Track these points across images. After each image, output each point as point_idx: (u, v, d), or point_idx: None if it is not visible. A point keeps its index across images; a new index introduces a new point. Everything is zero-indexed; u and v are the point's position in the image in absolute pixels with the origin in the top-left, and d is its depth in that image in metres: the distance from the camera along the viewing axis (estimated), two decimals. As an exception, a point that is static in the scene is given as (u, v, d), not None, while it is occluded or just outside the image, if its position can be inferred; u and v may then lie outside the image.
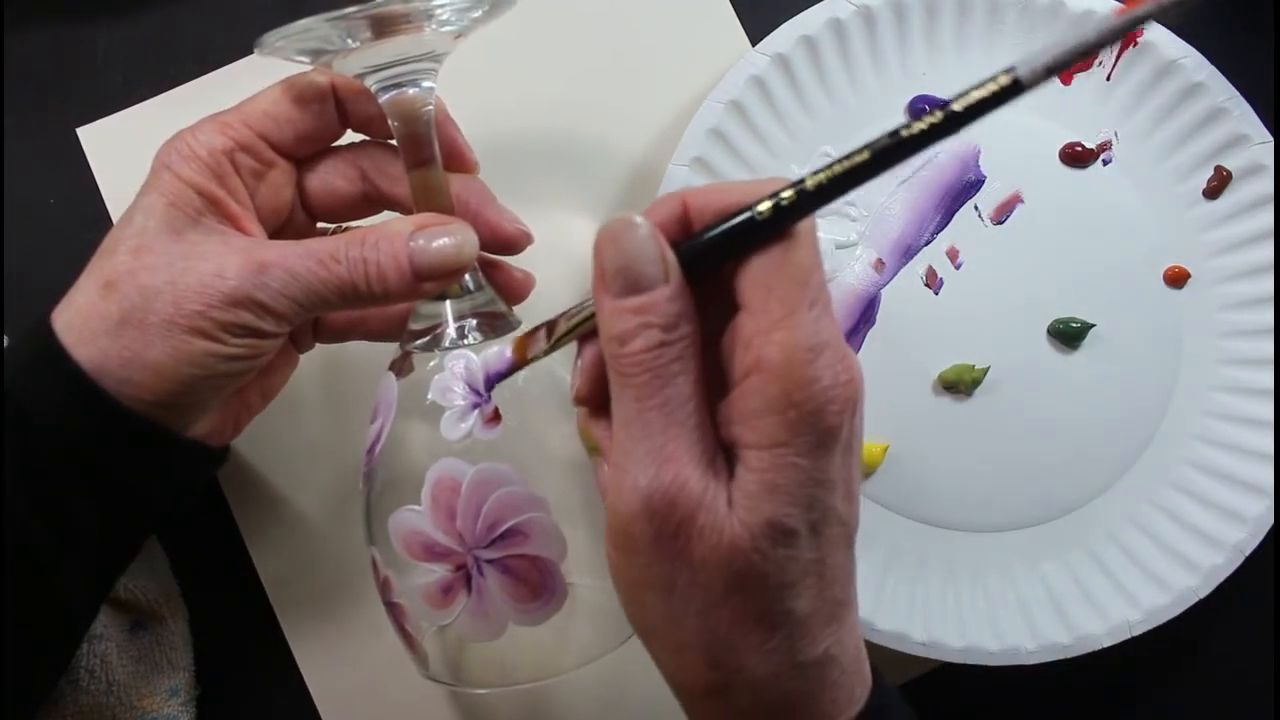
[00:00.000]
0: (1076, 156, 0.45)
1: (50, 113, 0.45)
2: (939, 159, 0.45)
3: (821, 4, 0.44)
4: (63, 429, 0.32)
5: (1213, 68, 0.44)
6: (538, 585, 0.33)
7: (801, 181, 0.26)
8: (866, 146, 0.26)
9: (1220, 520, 0.43)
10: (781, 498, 0.26)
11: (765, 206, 0.27)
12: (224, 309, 0.31)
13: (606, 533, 0.28)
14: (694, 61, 0.46)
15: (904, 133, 0.25)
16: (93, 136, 0.45)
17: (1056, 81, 0.45)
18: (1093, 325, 0.44)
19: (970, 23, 0.45)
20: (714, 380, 0.28)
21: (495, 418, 0.33)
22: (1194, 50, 0.44)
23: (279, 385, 0.39)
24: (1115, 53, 0.45)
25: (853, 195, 0.45)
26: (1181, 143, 0.45)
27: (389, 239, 0.32)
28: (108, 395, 0.32)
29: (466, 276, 0.34)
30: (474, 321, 0.34)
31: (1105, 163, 0.45)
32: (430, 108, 0.34)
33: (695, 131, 0.43)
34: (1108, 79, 0.45)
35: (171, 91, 0.45)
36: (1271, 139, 0.44)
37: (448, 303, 0.34)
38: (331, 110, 0.35)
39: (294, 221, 0.37)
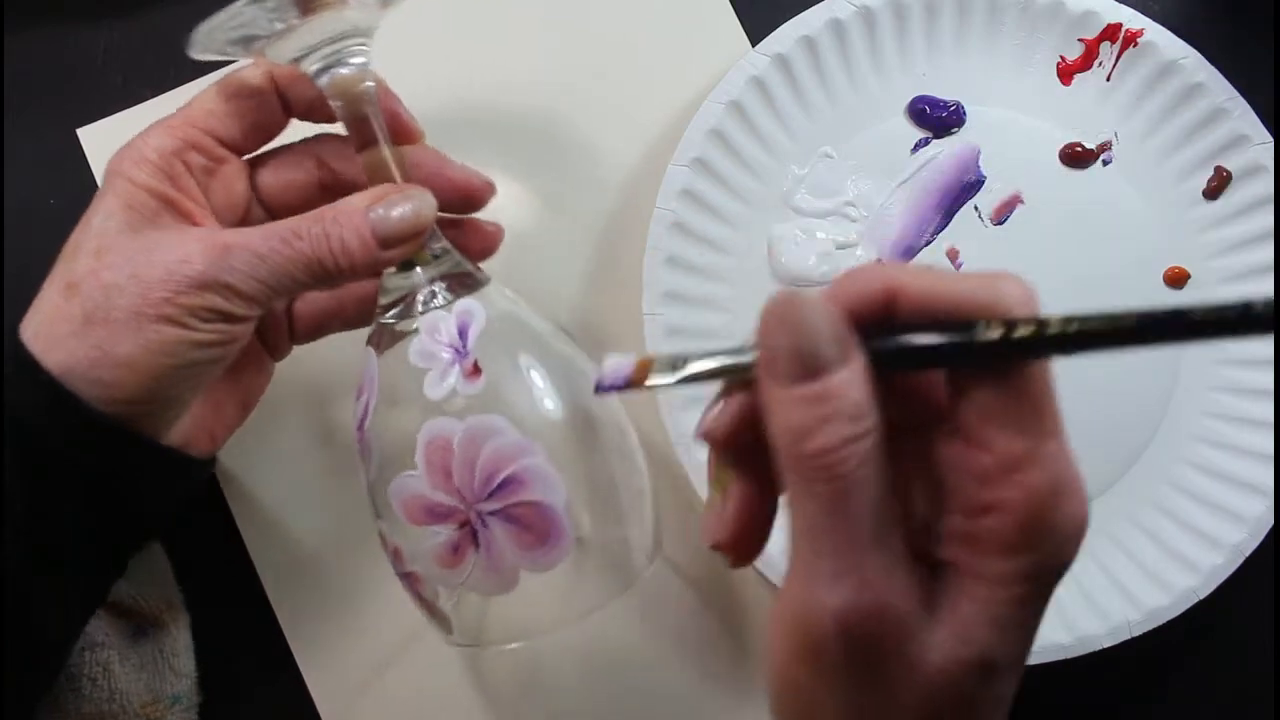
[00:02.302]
0: (1076, 157, 0.45)
1: (50, 113, 0.45)
2: (939, 159, 0.45)
3: (821, 4, 0.44)
4: (34, 437, 0.32)
5: (1213, 68, 0.44)
6: (543, 531, 0.33)
7: (1045, 321, 0.24)
8: (1135, 313, 0.23)
9: (1220, 520, 0.43)
10: (1002, 634, 0.24)
11: (995, 334, 0.24)
12: (191, 293, 0.31)
13: (779, 640, 0.25)
14: (694, 61, 0.46)
15: (1191, 316, 0.23)
16: (93, 137, 0.45)
17: (1057, 82, 0.45)
18: (1093, 325, 0.44)
19: (970, 23, 0.45)
20: (905, 480, 0.26)
21: (476, 371, 0.33)
22: (1194, 50, 0.44)
23: (257, 394, 0.39)
24: (1115, 53, 0.45)
25: (852, 195, 0.45)
26: (1181, 143, 0.45)
27: (348, 213, 0.33)
28: (79, 400, 0.31)
29: (432, 244, 0.35)
30: (443, 284, 0.35)
31: (1105, 163, 0.45)
32: (370, 85, 0.34)
33: (695, 132, 0.43)
34: (1108, 79, 0.45)
35: (171, 92, 0.45)
36: (1271, 139, 0.44)
37: (415, 270, 0.35)
38: (273, 100, 0.36)
39: (251, 219, 0.37)
